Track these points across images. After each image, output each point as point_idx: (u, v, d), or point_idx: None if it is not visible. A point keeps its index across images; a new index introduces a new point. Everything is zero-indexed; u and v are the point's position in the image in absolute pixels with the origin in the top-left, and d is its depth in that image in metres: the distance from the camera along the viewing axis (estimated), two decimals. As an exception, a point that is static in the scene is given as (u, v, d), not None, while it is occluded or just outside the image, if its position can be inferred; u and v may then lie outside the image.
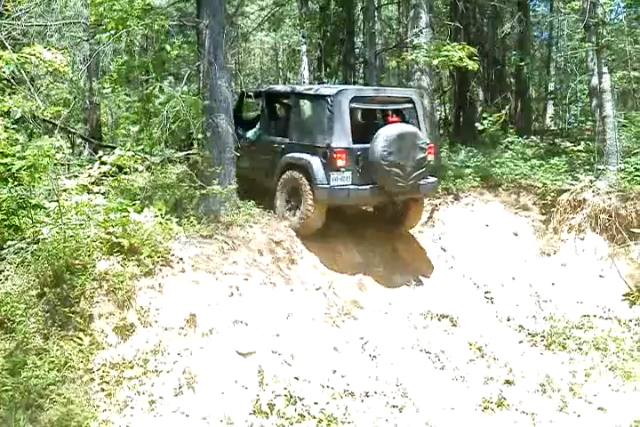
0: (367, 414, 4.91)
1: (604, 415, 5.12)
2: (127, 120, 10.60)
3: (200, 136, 7.83)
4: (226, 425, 4.45)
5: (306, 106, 7.69)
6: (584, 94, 13.90)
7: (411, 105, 7.73)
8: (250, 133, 8.57)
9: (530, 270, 7.88)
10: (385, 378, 5.59)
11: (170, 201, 7.67)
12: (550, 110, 16.79)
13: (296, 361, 5.41)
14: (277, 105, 8.91)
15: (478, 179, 9.59)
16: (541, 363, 6.06)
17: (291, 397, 4.89)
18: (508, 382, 5.70)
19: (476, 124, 10.97)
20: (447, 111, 17.48)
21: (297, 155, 7.47)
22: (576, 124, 14.16)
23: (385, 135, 7.07)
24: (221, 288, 5.98)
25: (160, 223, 6.47)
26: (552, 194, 8.58)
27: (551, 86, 16.70)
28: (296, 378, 5.18)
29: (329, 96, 7.15)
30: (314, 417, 4.66)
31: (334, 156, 7.00)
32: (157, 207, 6.86)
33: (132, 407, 4.51)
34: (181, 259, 6.07)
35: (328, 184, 7.06)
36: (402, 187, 7.26)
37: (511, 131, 11.29)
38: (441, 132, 15.75)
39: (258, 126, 8.53)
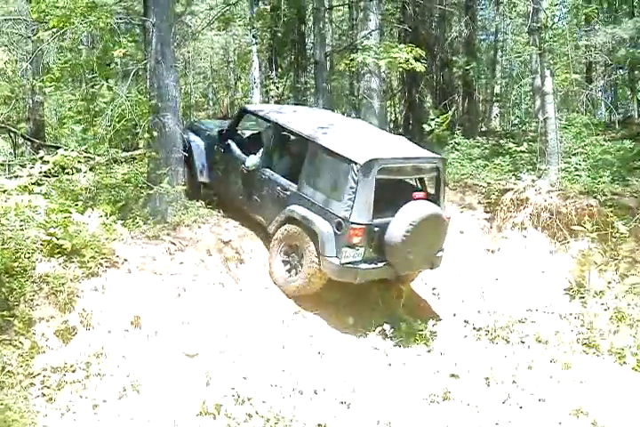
0: (316, 411, 4.92)
1: (545, 406, 5.28)
2: (71, 119, 10.35)
3: (146, 136, 7.72)
4: (171, 427, 4.38)
5: (326, 161, 6.53)
6: (528, 96, 14.33)
7: (435, 174, 6.90)
8: (249, 162, 7.45)
9: (475, 267, 8.07)
10: (333, 375, 5.62)
11: (114, 202, 7.53)
12: (496, 112, 17.24)
13: (244, 361, 5.39)
14: (290, 142, 7.60)
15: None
16: (485, 356, 6.21)
17: (238, 397, 4.86)
18: (453, 375, 5.81)
19: (424, 126, 11.15)
20: (396, 113, 17.72)
21: (305, 213, 6.56)
22: (520, 126, 14.56)
23: (409, 218, 6.24)
24: (168, 289, 5.91)
25: (104, 224, 6.35)
26: (496, 193, 8.78)
27: (497, 89, 17.14)
28: (244, 378, 5.15)
29: (356, 164, 6.14)
30: (262, 416, 4.65)
31: (351, 232, 6.14)
32: (101, 208, 6.73)
33: (75, 412, 4.41)
34: (126, 260, 5.96)
35: (338, 260, 6.24)
36: (416, 267, 6.83)
37: (458, 132, 11.51)
38: (391, 133, 15.98)
39: (260, 155, 7.45)
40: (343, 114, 19.60)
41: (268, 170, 7.26)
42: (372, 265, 6.39)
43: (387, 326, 6.37)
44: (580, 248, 7.70)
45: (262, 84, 16.03)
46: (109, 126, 9.32)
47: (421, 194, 6.63)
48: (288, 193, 6.87)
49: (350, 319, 6.69)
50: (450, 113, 11.24)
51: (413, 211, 6.32)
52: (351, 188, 6.14)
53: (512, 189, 8.69)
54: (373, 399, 5.29)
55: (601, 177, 8.38)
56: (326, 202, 6.41)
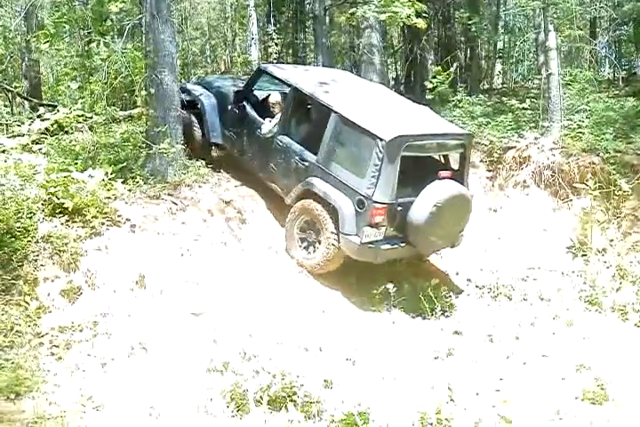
0: (321, 367, 4.98)
1: (548, 362, 5.35)
2: (66, 77, 10.13)
3: (143, 93, 7.56)
4: (180, 384, 4.44)
5: (349, 134, 6.21)
6: (531, 53, 14.04)
7: (462, 150, 6.59)
8: (265, 128, 7.12)
9: (477, 225, 8.03)
10: (338, 333, 5.67)
11: (114, 162, 7.44)
12: (498, 69, 16.92)
13: (249, 319, 5.43)
14: (310, 109, 7.26)
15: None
16: (489, 314, 6.27)
17: (245, 354, 4.92)
18: (456, 332, 5.87)
19: (426, 83, 10.95)
20: (398, 69, 17.39)
21: (324, 187, 6.28)
22: (523, 82, 14.33)
23: (434, 199, 5.97)
24: (171, 249, 5.91)
25: (104, 184, 6.29)
26: (498, 151, 8.69)
27: (499, 45, 16.76)
28: (250, 336, 5.20)
29: (382, 140, 5.81)
30: (268, 373, 4.70)
31: (374, 211, 5.89)
32: (101, 167, 6.66)
33: (84, 370, 4.46)
34: (128, 220, 5.95)
35: (358, 239, 6.00)
36: (438, 248, 6.62)
37: (460, 89, 11.30)
38: (393, 90, 15.73)
39: (276, 121, 7.10)
40: (346, 70, 19.32)
41: (285, 137, 6.89)
42: (394, 245, 6.16)
43: (390, 286, 6.39)
44: (583, 206, 7.68)
45: (260, 41, 15.65)
46: (105, 84, 9.12)
47: (447, 173, 6.25)
48: (306, 164, 6.54)
49: (353, 279, 6.71)
50: (452, 70, 10.99)
51: (438, 191, 6.02)
52: (375, 165, 5.83)
53: (514, 147, 8.60)
54: (378, 356, 5.35)
55: (604, 134, 8.27)
56: (348, 177, 6.10)
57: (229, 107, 7.58)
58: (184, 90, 7.95)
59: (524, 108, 9.52)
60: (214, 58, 18.30)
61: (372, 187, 5.88)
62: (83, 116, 7.89)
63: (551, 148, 8.33)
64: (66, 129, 7.90)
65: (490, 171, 8.88)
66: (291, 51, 16.22)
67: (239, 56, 17.51)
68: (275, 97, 7.55)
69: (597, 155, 7.94)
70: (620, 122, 8.90)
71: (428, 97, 11.26)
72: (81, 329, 4.75)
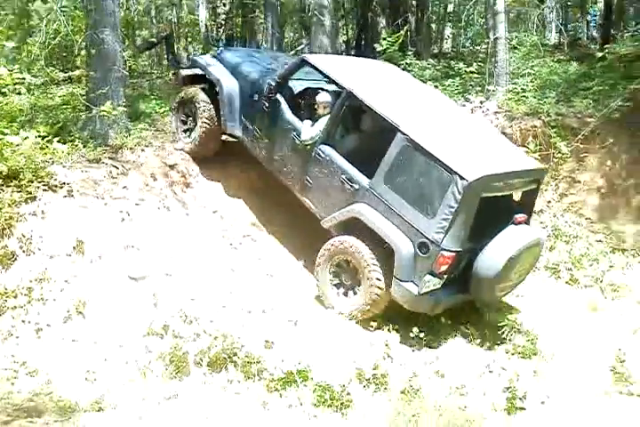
0: (264, 329, 5.03)
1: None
2: (2, 36, 9.64)
3: (84, 54, 7.29)
4: (118, 348, 4.43)
5: (420, 163, 5.14)
6: (481, 17, 14.03)
7: (534, 187, 5.65)
8: (306, 134, 5.92)
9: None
10: (282, 296, 5.73)
11: (52, 124, 7.19)
12: (448, 33, 16.91)
13: (192, 284, 5.42)
14: (367, 120, 6.24)
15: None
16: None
17: (186, 317, 4.92)
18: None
19: (376, 46, 10.86)
20: (349, 33, 17.18)
21: (378, 219, 5.29)
22: (472, 47, 14.37)
23: (510, 250, 5.02)
24: (111, 214, 5.80)
25: (41, 147, 6.08)
26: (446, 115, 8.73)
27: (450, 8, 16.71)
28: (192, 299, 5.20)
29: (463, 179, 4.82)
30: (209, 335, 4.73)
31: (441, 260, 4.97)
32: (38, 130, 6.42)
33: (17, 337, 4.40)
34: (66, 184, 5.79)
35: (416, 288, 5.08)
36: (499, 299, 5.73)
37: (410, 53, 11.27)
38: (343, 53, 15.58)
39: (320, 127, 5.89)
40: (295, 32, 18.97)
41: (328, 148, 5.76)
42: (453, 294, 5.30)
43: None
44: (524, 169, 7.83)
45: (208, 1, 15.17)
46: (44, 43, 8.73)
47: (523, 216, 5.33)
48: (356, 187, 5.50)
49: (299, 241, 6.74)
50: (402, 33, 10.91)
51: (514, 241, 5.11)
52: (450, 206, 4.89)
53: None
54: (321, 317, 5.44)
55: (547, 98, 8.43)
56: (410, 213, 5.13)
57: (256, 96, 6.40)
58: (195, 63, 7.10)
59: (471, 72, 9.56)
60: (160, 19, 17.68)
61: (442, 231, 4.93)
62: (18, 75, 7.56)
63: (495, 111, 8.43)
64: (2, 91, 7.56)
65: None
66: (240, 11, 15.79)
67: (186, 17, 17.00)
68: (323, 97, 6.07)
69: (539, 118, 8.08)
70: (562, 86, 9.06)
71: (380, 60, 11.21)
72: (15, 295, 4.64)
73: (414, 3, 15.16)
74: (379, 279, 5.29)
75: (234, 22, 16.18)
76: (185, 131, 7.15)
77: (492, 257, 5.05)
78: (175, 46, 16.39)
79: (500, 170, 5.16)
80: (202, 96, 6.82)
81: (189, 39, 19.30)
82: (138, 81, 12.79)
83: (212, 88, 6.81)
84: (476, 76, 9.56)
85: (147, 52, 17.42)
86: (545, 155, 7.69)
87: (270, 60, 7.21)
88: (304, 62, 6.16)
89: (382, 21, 15.16)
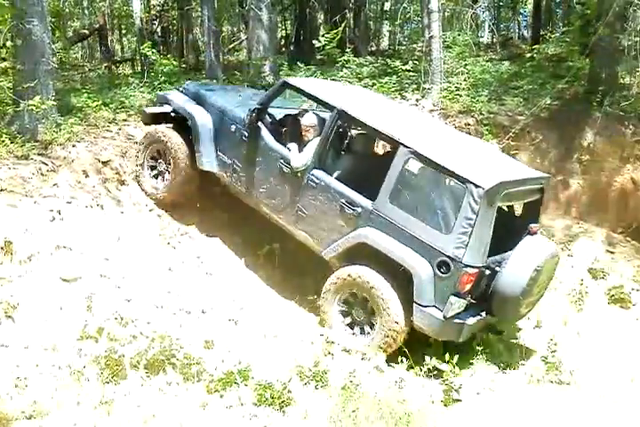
0: (203, 329, 4.97)
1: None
2: None
3: (10, 45, 6.97)
4: (50, 353, 4.26)
5: (428, 176, 4.94)
6: (417, 15, 14.27)
7: (540, 196, 5.45)
8: (297, 161, 5.52)
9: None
10: (222, 295, 5.67)
11: (-25, 119, 6.84)
12: (386, 30, 17.13)
13: (127, 284, 5.28)
14: (359, 140, 5.97)
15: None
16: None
17: (122, 319, 4.79)
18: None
19: (314, 42, 10.88)
20: (287, 28, 17.13)
21: (387, 242, 4.94)
22: (408, 45, 14.61)
23: (533, 262, 4.81)
24: (41, 212, 5.59)
25: (-38, 143, 5.79)
26: (383, 112, 8.84)
27: (387, 6, 16.93)
28: (128, 301, 5.06)
29: (478, 188, 4.60)
30: (147, 337, 4.62)
31: (465, 277, 4.66)
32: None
33: (-60, 344, 4.16)
34: (-8, 182, 5.52)
35: (440, 313, 4.74)
36: (520, 319, 5.48)
37: (348, 50, 11.35)
38: (282, 49, 15.54)
39: (310, 151, 5.51)
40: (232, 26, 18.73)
41: (322, 173, 5.41)
42: (477, 317, 4.93)
43: (276, 245, 6.43)
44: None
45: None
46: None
47: (537, 226, 5.14)
48: (358, 210, 5.15)
49: (240, 239, 6.69)
50: (339, 29, 10.97)
51: (536, 251, 4.88)
52: (467, 218, 4.62)
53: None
54: (261, 316, 5.43)
55: (479, 96, 8.68)
56: (423, 231, 4.81)
57: (233, 128, 6.03)
58: (162, 99, 6.69)
59: (407, 70, 9.72)
60: (92, 10, 17.11)
61: (462, 246, 4.63)
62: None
63: (431, 109, 8.62)
64: None
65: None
66: (176, 4, 15.45)
67: (120, 8, 16.50)
68: (309, 119, 5.76)
69: (472, 116, 8.32)
70: (494, 85, 9.37)
71: (318, 57, 11.27)
72: (-64, 301, 4.41)
73: (352, 0, 15.29)
74: (397, 313, 4.86)
75: (169, 15, 15.80)
76: (155, 175, 6.59)
77: (516, 272, 4.77)
78: (108, 39, 15.89)
79: (512, 177, 4.99)
80: (173, 134, 6.36)
81: (123, 31, 18.76)
82: (69, 74, 12.36)
83: (180, 125, 6.42)
84: (412, 74, 9.73)
85: (78, 44, 16.85)
86: (478, 152, 7.90)
87: (239, 92, 6.95)
88: (285, 85, 5.88)
89: (320, 17, 15.24)
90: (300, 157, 5.54)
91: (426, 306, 4.77)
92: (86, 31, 14.68)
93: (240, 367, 4.46)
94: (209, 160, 6.18)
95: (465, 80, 9.26)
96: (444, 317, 4.73)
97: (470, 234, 4.61)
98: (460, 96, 8.74)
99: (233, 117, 6.06)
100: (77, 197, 6.05)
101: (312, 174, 5.44)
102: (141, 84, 9.64)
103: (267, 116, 6.01)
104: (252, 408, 4.13)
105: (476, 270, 4.69)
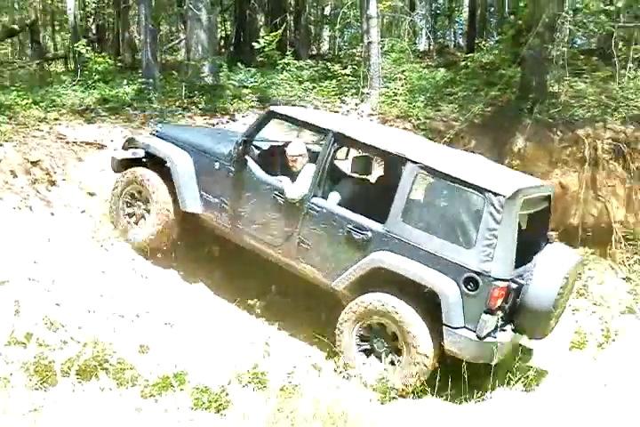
0: (138, 333, 4.85)
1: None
2: None
3: None
4: (-27, 361, 4.06)
5: (442, 190, 4.82)
6: (357, 20, 14.47)
7: (548, 204, 5.34)
8: (293, 191, 5.26)
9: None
10: (157, 298, 5.55)
11: None
12: (326, 34, 17.29)
13: (57, 288, 5.08)
14: (359, 164, 5.66)
15: (256, 99, 9.62)
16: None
17: (52, 324, 4.60)
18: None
19: (254, 43, 10.86)
20: (227, 29, 17.02)
21: (405, 263, 4.69)
22: (348, 49, 14.80)
23: (563, 271, 4.67)
24: (-35, 215, 5.32)
25: None
26: (322, 116, 8.92)
27: (327, 10, 17.10)
28: (58, 305, 4.87)
29: (498, 196, 4.45)
30: (78, 342, 4.46)
31: (495, 292, 4.44)
32: None
33: None
34: None
35: (473, 333, 4.51)
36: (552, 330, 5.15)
37: (288, 53, 11.40)
38: (222, 50, 15.41)
39: (306, 180, 5.28)
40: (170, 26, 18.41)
41: (322, 200, 5.19)
42: (509, 334, 4.74)
43: (216, 248, 6.36)
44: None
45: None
46: None
47: (554, 233, 5.12)
48: (368, 234, 4.89)
49: (176, 241, 6.57)
50: (279, 32, 10.99)
51: (560, 259, 4.75)
52: (490, 229, 4.43)
53: (337, 113, 8.89)
54: (199, 319, 5.35)
55: (416, 102, 8.88)
56: (444, 248, 4.60)
57: (217, 165, 5.72)
58: (133, 143, 6.23)
59: (346, 75, 9.85)
60: (23, 4, 16.49)
61: (489, 259, 4.43)
62: None
63: (370, 113, 8.76)
64: None
65: (314, 136, 9.10)
66: (112, 1, 15.10)
67: (53, 4, 15.99)
68: (296, 148, 5.59)
69: (409, 121, 8.49)
70: (430, 91, 9.60)
71: (259, 59, 11.25)
72: None
73: (292, 2, 15.35)
74: (425, 339, 4.59)
75: (105, 12, 15.43)
76: (133, 220, 6.15)
77: (545, 283, 4.59)
78: (40, 35, 15.36)
79: (527, 184, 4.87)
80: (152, 176, 5.94)
81: (57, 28, 18.16)
82: (-3, 70, 11.87)
83: (155, 168, 6.02)
84: (351, 78, 9.86)
85: (8, 40, 16.18)
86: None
87: (216, 131, 6.71)
88: (272, 114, 5.61)
89: (261, 19, 15.19)
90: (295, 187, 5.29)
91: (456, 328, 4.52)
92: (17, 27, 14.13)
93: (176, 371, 4.37)
94: (193, 201, 5.81)
95: (402, 86, 9.46)
96: (479, 337, 4.48)
97: (495, 245, 4.43)
98: (398, 101, 8.93)
99: (215, 154, 5.75)
100: (4, 198, 5.82)
101: (312, 203, 5.18)
102: (74, 83, 9.37)
103: (254, 149, 5.79)
104: (189, 412, 4.06)
105: (506, 284, 4.50)
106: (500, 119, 8.56)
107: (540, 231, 5.16)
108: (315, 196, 5.19)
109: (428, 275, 4.59)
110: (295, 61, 11.08)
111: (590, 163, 7.76)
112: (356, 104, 8.93)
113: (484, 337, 4.50)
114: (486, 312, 4.45)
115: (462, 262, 4.51)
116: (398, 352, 4.74)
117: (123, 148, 6.27)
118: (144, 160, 6.11)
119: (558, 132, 8.18)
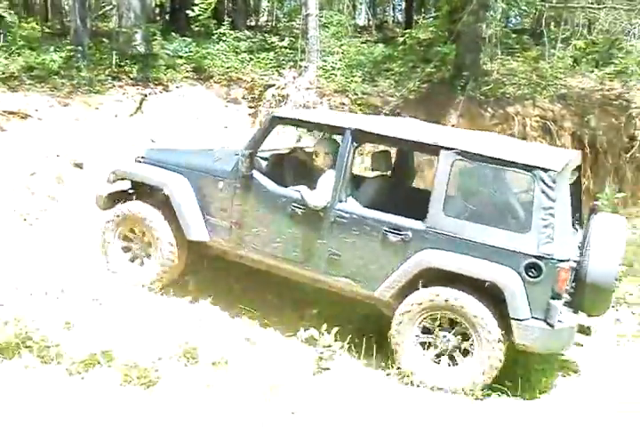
0: (63, 310, 4.70)
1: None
2: None
3: None
4: None
5: (484, 175, 4.44)
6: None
7: (578, 175, 5.09)
8: (314, 198, 4.77)
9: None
10: (85, 273, 5.39)
11: None
12: (265, 5, 16.94)
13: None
14: (381, 161, 5.34)
15: (190, 70, 9.39)
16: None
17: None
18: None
19: (188, 11, 10.53)
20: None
21: (457, 260, 4.34)
22: (286, 22, 14.58)
23: (619, 238, 4.40)
24: None
25: None
26: (260, 88, 8.83)
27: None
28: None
29: (549, 171, 4.16)
30: (-1, 320, 4.30)
31: (561, 274, 4.14)
32: None
33: None
34: None
35: (543, 322, 4.20)
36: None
37: (226, 24, 11.11)
38: (156, 18, 14.87)
39: (329, 186, 4.81)
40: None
41: (350, 205, 4.78)
42: (573, 317, 4.44)
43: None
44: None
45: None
46: None
47: (599, 203, 4.84)
48: (407, 234, 4.50)
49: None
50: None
51: (613, 228, 4.46)
52: (545, 208, 4.15)
53: (274, 85, 8.79)
54: (129, 294, 5.23)
55: (354, 77, 8.87)
56: (497, 236, 4.27)
57: (221, 184, 5.21)
58: (118, 174, 5.61)
59: (284, 47, 9.72)
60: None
61: (549, 240, 4.13)
62: None
63: (307, 87, 8.70)
64: None
65: (251, 107, 9.00)
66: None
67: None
68: (324, 144, 5.18)
69: (347, 96, 8.49)
70: (368, 66, 9.61)
71: (195, 28, 10.94)
72: None
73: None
74: (494, 343, 4.26)
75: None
76: (130, 259, 5.61)
77: (605, 256, 4.33)
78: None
79: (568, 157, 4.57)
80: (147, 208, 5.40)
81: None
82: None
83: (146, 198, 5.50)
84: (289, 51, 9.74)
85: None
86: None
87: (204, 150, 6.08)
88: (276, 120, 5.12)
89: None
90: (317, 195, 4.81)
91: (525, 319, 4.22)
92: None
93: (104, 348, 4.27)
94: (198, 228, 5.29)
95: (340, 60, 9.42)
96: (551, 325, 4.18)
97: (554, 225, 4.14)
98: (336, 76, 8.89)
99: (217, 173, 5.24)
100: None
101: (338, 210, 4.74)
102: (-3, 49, 8.85)
103: (261, 161, 5.31)
104: (118, 389, 3.99)
105: (569, 264, 4.20)
106: (435, 95, 8.69)
107: (577, 203, 4.86)
108: (341, 201, 4.76)
109: (485, 268, 4.28)
110: (232, 32, 10.85)
111: (520, 139, 7.97)
112: (294, 77, 8.84)
113: (556, 325, 4.21)
114: (553, 298, 4.19)
115: (520, 249, 4.20)
116: (468, 350, 4.43)
117: (108, 181, 5.70)
118: (130, 191, 5.60)
119: (490, 110, 8.38)
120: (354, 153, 4.80)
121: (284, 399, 3.91)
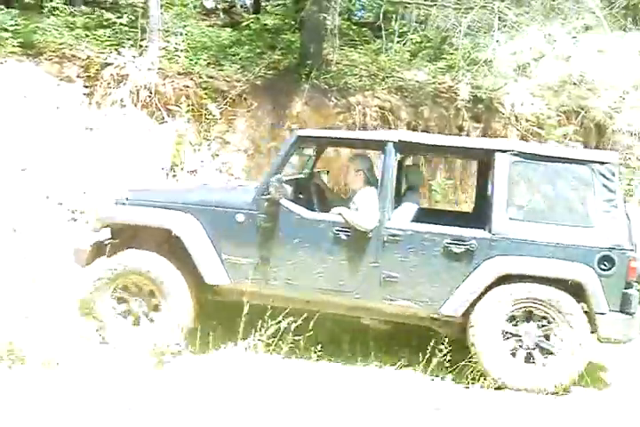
0: None
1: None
2: None
3: None
4: None
5: (543, 174, 4.39)
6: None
7: None
8: (365, 219, 4.43)
9: (73, 144, 7.66)
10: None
11: None
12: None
13: None
14: (415, 170, 5.36)
15: (17, 44, 8.59)
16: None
17: None
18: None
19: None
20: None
21: (529, 263, 4.25)
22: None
23: None
24: None
25: None
26: (96, 67, 8.32)
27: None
28: None
29: (606, 164, 4.31)
30: None
31: (633, 263, 4.20)
32: None
33: None
34: None
35: (620, 314, 4.24)
36: None
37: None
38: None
39: (375, 205, 4.48)
40: None
41: (400, 221, 4.52)
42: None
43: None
44: (177, 128, 7.99)
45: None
46: None
47: None
48: (472, 244, 4.33)
49: None
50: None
51: None
52: (609, 200, 4.27)
53: (112, 64, 8.33)
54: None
55: (199, 60, 8.67)
56: (565, 234, 4.28)
57: (240, 217, 4.60)
58: (106, 223, 4.81)
59: (123, 25, 9.22)
60: None
61: (616, 231, 4.25)
62: None
63: (148, 68, 8.35)
64: None
65: (87, 87, 8.46)
66: None
67: None
68: (363, 161, 4.89)
69: (192, 79, 8.28)
70: (214, 50, 9.43)
71: (25, 1, 10.01)
72: None
73: None
74: (581, 337, 4.27)
75: None
76: (133, 322, 4.77)
77: None
78: None
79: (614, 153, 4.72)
80: (152, 257, 4.64)
81: None
82: None
83: (139, 245, 4.73)
84: (129, 29, 9.25)
85: None
86: (198, 115, 7.95)
87: (199, 186, 5.62)
88: (300, 140, 4.70)
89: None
90: (364, 215, 4.48)
91: (604, 313, 4.25)
92: None
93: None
94: (217, 272, 4.64)
95: (184, 41, 9.14)
96: (630, 314, 4.24)
97: (618, 216, 4.28)
98: (179, 57, 8.62)
99: (234, 205, 4.66)
100: None
101: (389, 228, 4.44)
102: None
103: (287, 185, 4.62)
104: None
105: (637, 252, 4.29)
106: (281, 83, 8.75)
107: None
108: (389, 219, 4.49)
109: (559, 268, 4.27)
110: (65, 6, 10.07)
111: (360, 128, 8.32)
112: (134, 57, 8.41)
113: (634, 313, 4.27)
114: (627, 287, 4.27)
115: (590, 244, 4.26)
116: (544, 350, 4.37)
117: (93, 230, 4.90)
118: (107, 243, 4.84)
119: (333, 99, 8.62)
120: (397, 166, 4.66)
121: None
